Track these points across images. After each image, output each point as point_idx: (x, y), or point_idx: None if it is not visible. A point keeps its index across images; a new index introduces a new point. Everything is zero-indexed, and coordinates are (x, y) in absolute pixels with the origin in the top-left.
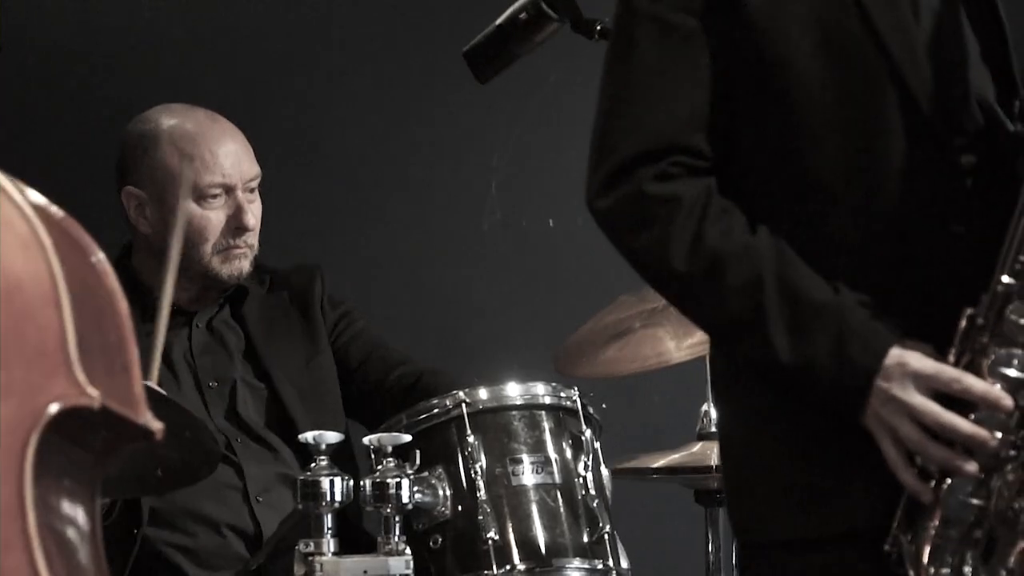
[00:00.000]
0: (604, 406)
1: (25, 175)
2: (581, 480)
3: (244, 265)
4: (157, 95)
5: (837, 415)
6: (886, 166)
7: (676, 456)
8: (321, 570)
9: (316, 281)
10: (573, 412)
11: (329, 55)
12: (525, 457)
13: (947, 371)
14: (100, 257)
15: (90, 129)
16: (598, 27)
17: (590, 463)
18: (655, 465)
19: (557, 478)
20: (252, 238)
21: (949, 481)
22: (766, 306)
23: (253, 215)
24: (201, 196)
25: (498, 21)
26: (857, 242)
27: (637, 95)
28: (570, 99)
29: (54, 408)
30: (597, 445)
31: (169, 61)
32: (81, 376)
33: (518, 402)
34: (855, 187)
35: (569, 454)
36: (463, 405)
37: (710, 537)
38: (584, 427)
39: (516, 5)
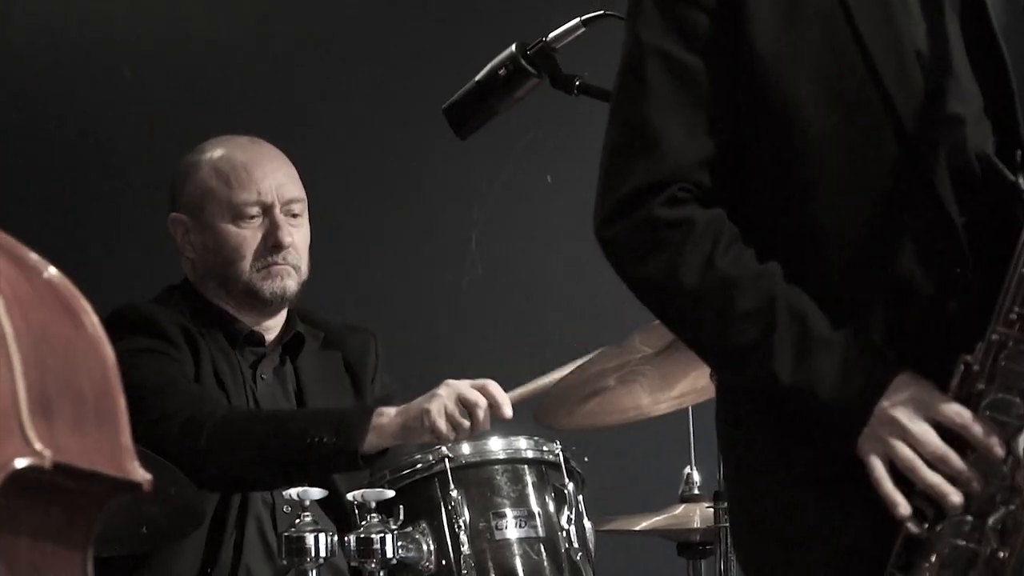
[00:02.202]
0: (586, 459)
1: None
2: (564, 533)
3: (288, 284)
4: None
5: (829, 440)
6: (885, 216)
7: (659, 518)
8: None
9: (371, 352)
10: (555, 466)
11: (310, 111)
12: (508, 511)
13: (953, 404)
14: (87, 312)
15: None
16: (577, 82)
17: (573, 516)
18: (638, 528)
19: (540, 531)
20: (293, 257)
21: (944, 523)
22: (777, 329)
23: (289, 233)
24: (238, 215)
25: (478, 77)
26: (857, 290)
27: (646, 130)
28: (549, 153)
29: (3, 473)
30: (580, 498)
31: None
32: (32, 434)
33: (501, 456)
34: (855, 235)
35: (552, 507)
36: (446, 460)
37: None
38: (567, 480)
39: (495, 61)
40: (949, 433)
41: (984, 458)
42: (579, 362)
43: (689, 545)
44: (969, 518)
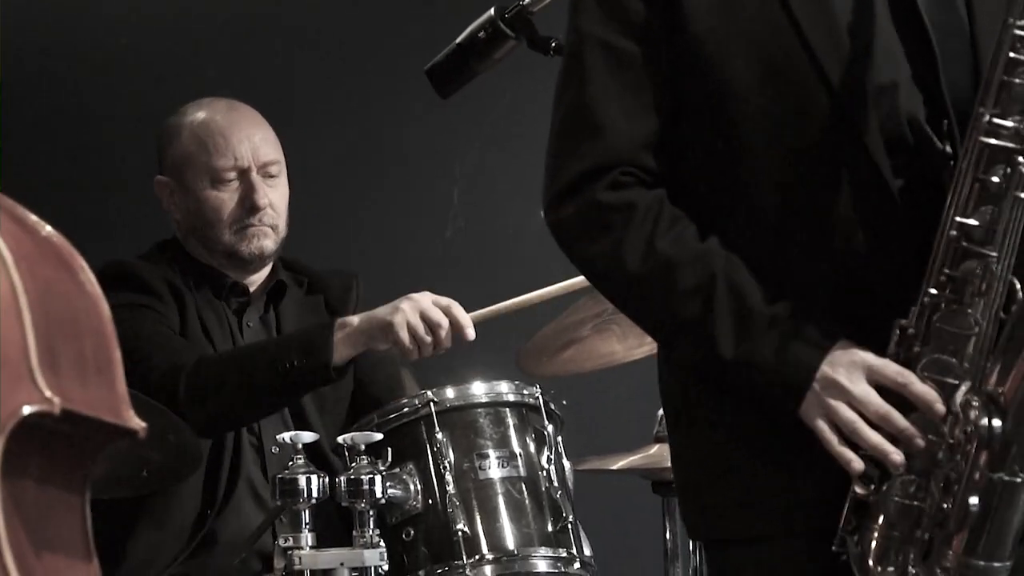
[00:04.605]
0: (565, 402)
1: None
2: (544, 473)
3: (265, 244)
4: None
5: (774, 410)
6: (822, 182)
7: (634, 457)
8: (299, 563)
9: (352, 292)
10: (536, 408)
11: (297, 70)
12: (491, 452)
13: (893, 365)
14: (84, 269)
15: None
16: (553, 44)
17: (553, 456)
18: (615, 467)
19: (522, 471)
20: (269, 218)
21: (889, 484)
22: (715, 304)
23: (265, 195)
24: (216, 180)
25: (458, 39)
26: (796, 255)
27: (588, 116)
28: (527, 112)
29: (15, 417)
30: (559, 439)
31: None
32: (42, 382)
33: (483, 400)
34: (793, 201)
35: (533, 448)
36: (431, 404)
37: (667, 525)
38: (547, 422)
39: (475, 24)
40: (890, 395)
41: (925, 417)
42: (539, 292)
43: (664, 483)
44: (913, 477)
